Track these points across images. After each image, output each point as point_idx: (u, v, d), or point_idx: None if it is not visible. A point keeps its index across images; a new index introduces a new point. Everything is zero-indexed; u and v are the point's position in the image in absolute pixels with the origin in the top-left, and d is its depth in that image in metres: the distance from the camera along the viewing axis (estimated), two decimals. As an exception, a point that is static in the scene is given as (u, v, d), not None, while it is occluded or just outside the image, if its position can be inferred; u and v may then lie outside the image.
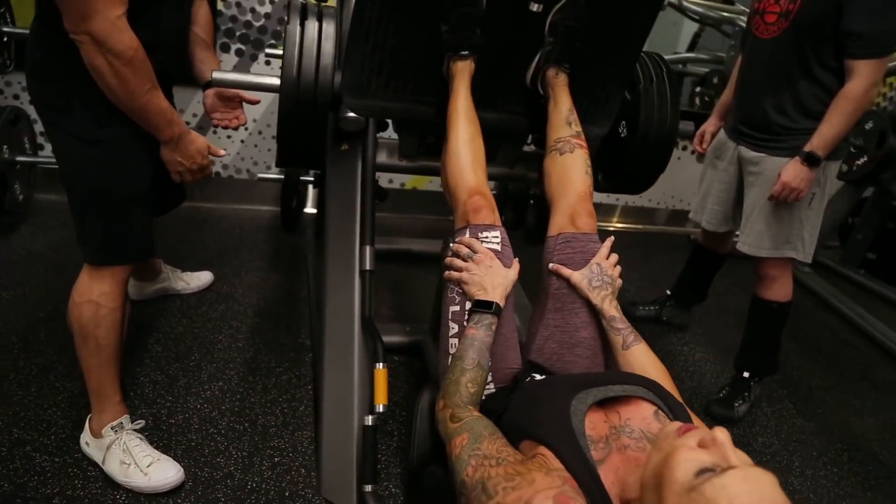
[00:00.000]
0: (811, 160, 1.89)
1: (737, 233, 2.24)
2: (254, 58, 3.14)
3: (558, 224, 1.50)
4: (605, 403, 1.06)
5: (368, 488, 1.48)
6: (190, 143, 1.45)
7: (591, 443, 0.98)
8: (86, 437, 1.61)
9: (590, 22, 1.60)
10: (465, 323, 1.31)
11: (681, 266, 2.71)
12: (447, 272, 1.38)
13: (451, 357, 1.27)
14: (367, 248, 1.78)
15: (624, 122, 1.94)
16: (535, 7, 1.57)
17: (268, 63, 3.14)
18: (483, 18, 1.55)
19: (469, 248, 1.37)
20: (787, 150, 1.97)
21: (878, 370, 2.68)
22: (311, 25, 1.62)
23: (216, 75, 1.62)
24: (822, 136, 1.87)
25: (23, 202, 2.70)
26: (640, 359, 1.30)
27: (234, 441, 1.74)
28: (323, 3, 1.76)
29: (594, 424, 1.01)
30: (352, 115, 1.73)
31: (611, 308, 1.35)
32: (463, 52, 1.55)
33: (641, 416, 1.04)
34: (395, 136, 2.04)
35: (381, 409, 1.54)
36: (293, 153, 1.75)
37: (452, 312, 1.34)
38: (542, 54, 1.64)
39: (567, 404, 1.03)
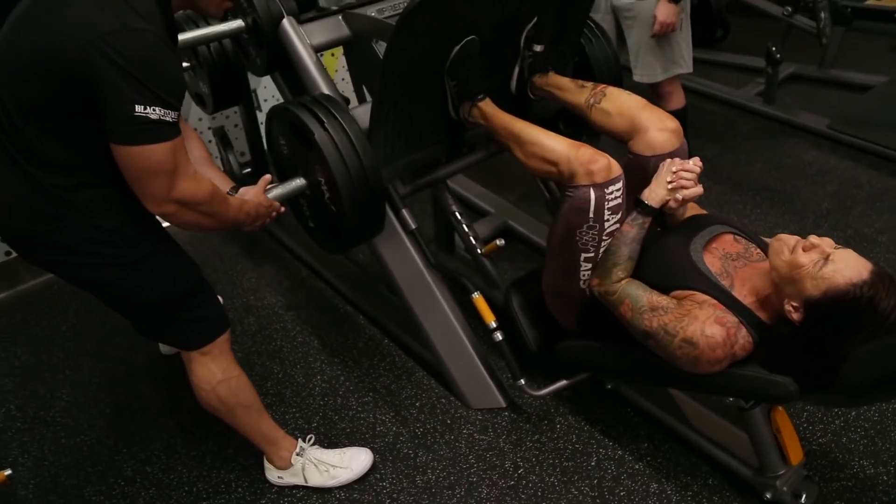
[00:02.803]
0: (676, -3, 2.36)
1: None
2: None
3: (648, 141, 1.58)
4: (704, 245, 1.50)
5: (522, 382, 1.87)
6: (255, 209, 1.51)
7: (717, 275, 1.43)
8: (274, 473, 1.81)
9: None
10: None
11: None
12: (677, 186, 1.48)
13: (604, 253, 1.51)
14: (404, 211, 2.01)
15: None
16: (538, 48, 1.80)
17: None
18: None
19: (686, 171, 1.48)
20: (653, -8, 2.42)
21: (740, 124, 3.40)
22: (334, 125, 1.66)
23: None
24: (682, -25, 2.33)
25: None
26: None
27: (373, 411, 2.03)
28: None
29: (711, 262, 1.46)
30: None
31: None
32: (480, 97, 1.72)
33: (730, 242, 1.51)
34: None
35: (493, 324, 1.90)
36: (359, 236, 1.87)
37: (585, 257, 1.53)
38: (525, 66, 1.84)
39: (688, 255, 1.47)
